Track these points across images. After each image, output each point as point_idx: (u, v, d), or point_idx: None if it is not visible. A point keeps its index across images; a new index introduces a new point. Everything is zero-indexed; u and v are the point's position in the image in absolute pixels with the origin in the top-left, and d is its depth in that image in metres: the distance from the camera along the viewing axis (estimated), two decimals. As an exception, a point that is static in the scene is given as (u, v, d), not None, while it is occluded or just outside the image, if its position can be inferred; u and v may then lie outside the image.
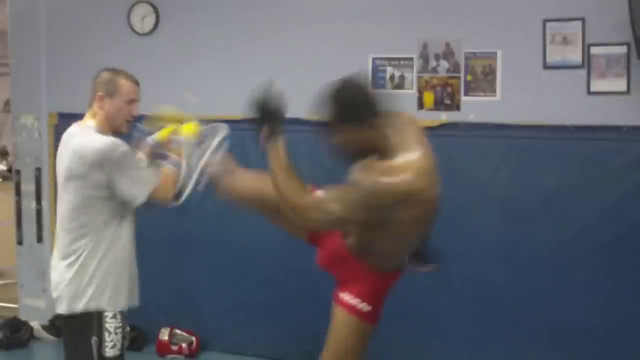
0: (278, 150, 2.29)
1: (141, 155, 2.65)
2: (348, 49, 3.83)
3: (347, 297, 2.48)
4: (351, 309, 2.47)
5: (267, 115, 2.32)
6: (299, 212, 2.26)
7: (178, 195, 2.65)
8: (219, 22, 4.09)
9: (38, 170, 4.48)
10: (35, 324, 4.36)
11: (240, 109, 4.01)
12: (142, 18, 4.22)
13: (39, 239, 4.47)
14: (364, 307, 2.47)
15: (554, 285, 3.51)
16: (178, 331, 4.11)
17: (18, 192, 4.53)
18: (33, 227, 4.49)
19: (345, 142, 2.32)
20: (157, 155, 2.69)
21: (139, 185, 2.53)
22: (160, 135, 2.74)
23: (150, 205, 2.59)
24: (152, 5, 4.19)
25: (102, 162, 2.47)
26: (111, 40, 4.27)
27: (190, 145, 2.69)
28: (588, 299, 3.47)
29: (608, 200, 3.43)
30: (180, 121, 2.75)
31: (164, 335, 4.10)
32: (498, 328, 3.60)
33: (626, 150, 3.42)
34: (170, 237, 4.08)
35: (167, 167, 2.64)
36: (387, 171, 2.21)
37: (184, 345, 4.07)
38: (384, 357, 3.81)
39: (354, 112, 2.27)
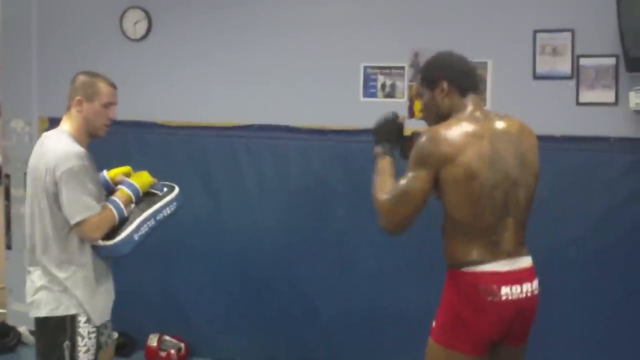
0: (378, 163, 2.45)
1: (97, 180, 2.61)
2: (340, 57, 3.85)
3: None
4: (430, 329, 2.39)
5: (389, 136, 2.52)
6: (381, 217, 2.30)
7: (109, 237, 2.53)
8: (211, 29, 4.10)
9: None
10: (23, 329, 4.34)
11: (233, 116, 4.06)
12: (135, 24, 4.22)
13: (28, 243, 4.46)
14: (433, 324, 2.37)
15: (543, 293, 3.52)
16: (167, 337, 4.10)
17: (7, 196, 4.53)
18: (22, 232, 4.47)
19: (424, 105, 2.45)
20: (109, 191, 2.66)
21: (77, 206, 2.46)
22: (110, 173, 2.75)
23: (81, 235, 2.52)
24: (144, 11, 4.20)
25: (54, 169, 2.46)
26: (103, 45, 4.27)
27: (138, 192, 2.63)
28: (576, 307, 3.50)
29: (596, 209, 3.47)
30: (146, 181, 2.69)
31: (153, 341, 4.08)
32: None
33: (614, 161, 3.46)
34: (160, 243, 4.05)
35: (110, 208, 2.55)
36: (425, 135, 2.28)
37: (172, 351, 4.06)
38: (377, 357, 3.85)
39: (426, 72, 2.44)
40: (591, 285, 3.47)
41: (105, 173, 2.75)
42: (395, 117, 2.56)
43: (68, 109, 2.63)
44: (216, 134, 4.08)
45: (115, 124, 2.72)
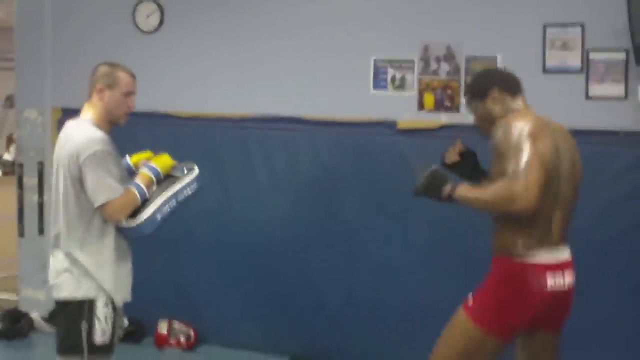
0: (462, 191, 2.45)
1: (120, 165, 2.68)
2: (350, 50, 3.88)
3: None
4: (463, 304, 2.47)
5: (439, 183, 2.52)
6: (515, 198, 2.26)
7: (132, 218, 2.59)
8: (223, 21, 4.14)
9: (41, 163, 4.53)
10: (35, 315, 4.42)
11: (243, 107, 4.10)
12: (147, 16, 4.27)
13: (40, 231, 4.52)
14: (469, 301, 2.45)
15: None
16: (176, 324, 4.16)
17: (20, 185, 4.59)
18: (35, 220, 4.54)
19: (480, 117, 2.54)
20: (131, 176, 2.72)
21: (101, 188, 2.53)
22: (132, 158, 2.82)
23: (105, 217, 2.58)
24: (157, 3, 4.24)
25: (78, 154, 2.53)
26: (116, 37, 4.32)
27: (158, 174, 2.69)
28: (580, 300, 3.50)
29: (604, 203, 3.48)
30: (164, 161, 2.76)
31: (163, 328, 4.15)
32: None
33: (622, 155, 3.46)
34: (170, 233, 4.10)
35: (132, 189, 2.61)
36: (504, 125, 2.37)
37: (182, 338, 4.12)
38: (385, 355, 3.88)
39: (475, 86, 2.58)
40: (595, 278, 3.48)
41: (127, 158, 2.83)
42: (436, 170, 2.57)
43: (89, 97, 2.70)
44: (227, 126, 4.12)
45: (128, 114, 2.76)
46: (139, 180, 2.64)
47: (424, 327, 3.73)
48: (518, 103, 2.51)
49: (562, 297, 2.43)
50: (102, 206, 2.54)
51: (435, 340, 3.70)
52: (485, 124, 2.54)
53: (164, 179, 2.71)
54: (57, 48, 4.49)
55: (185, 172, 2.77)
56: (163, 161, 2.74)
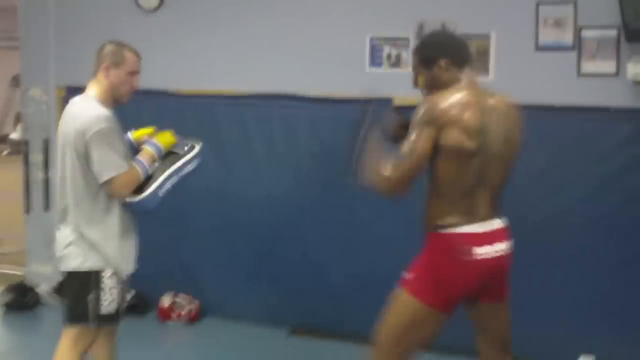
0: (377, 143, 2.53)
1: (124, 141, 2.74)
2: (347, 29, 3.93)
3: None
4: (401, 279, 2.49)
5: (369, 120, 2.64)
6: (380, 184, 2.40)
7: (137, 192, 2.67)
8: (222, 0, 4.19)
9: (46, 141, 4.61)
10: (41, 289, 4.51)
11: (243, 85, 4.16)
12: (148, -5, 4.31)
13: (46, 207, 4.61)
14: (407, 276, 2.47)
15: (541, 259, 3.62)
16: (180, 298, 4.25)
17: (26, 162, 4.67)
18: (40, 196, 4.63)
19: (424, 81, 2.54)
20: (133, 152, 2.78)
21: (107, 165, 2.60)
22: (135, 134, 2.87)
23: (109, 192, 2.65)
24: (158, -18, 4.29)
25: (85, 131, 2.59)
26: (118, 16, 4.37)
27: (160, 151, 2.76)
28: (573, 273, 3.60)
29: (595, 178, 3.54)
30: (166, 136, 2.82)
31: (166, 301, 4.23)
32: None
33: (614, 131, 3.52)
34: (173, 207, 4.18)
35: (135, 166, 2.68)
36: (425, 104, 2.40)
37: (185, 311, 4.21)
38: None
39: (423, 53, 2.55)
40: (586, 252, 3.56)
41: (130, 134, 2.89)
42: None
43: (94, 75, 2.75)
44: (226, 103, 4.18)
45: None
46: (142, 157, 2.71)
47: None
48: (463, 75, 2.47)
49: (496, 265, 2.42)
50: (106, 182, 2.62)
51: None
52: (429, 91, 2.53)
53: (166, 156, 2.78)
54: (60, 27, 4.53)
55: (187, 148, 2.83)
56: (165, 138, 2.80)
